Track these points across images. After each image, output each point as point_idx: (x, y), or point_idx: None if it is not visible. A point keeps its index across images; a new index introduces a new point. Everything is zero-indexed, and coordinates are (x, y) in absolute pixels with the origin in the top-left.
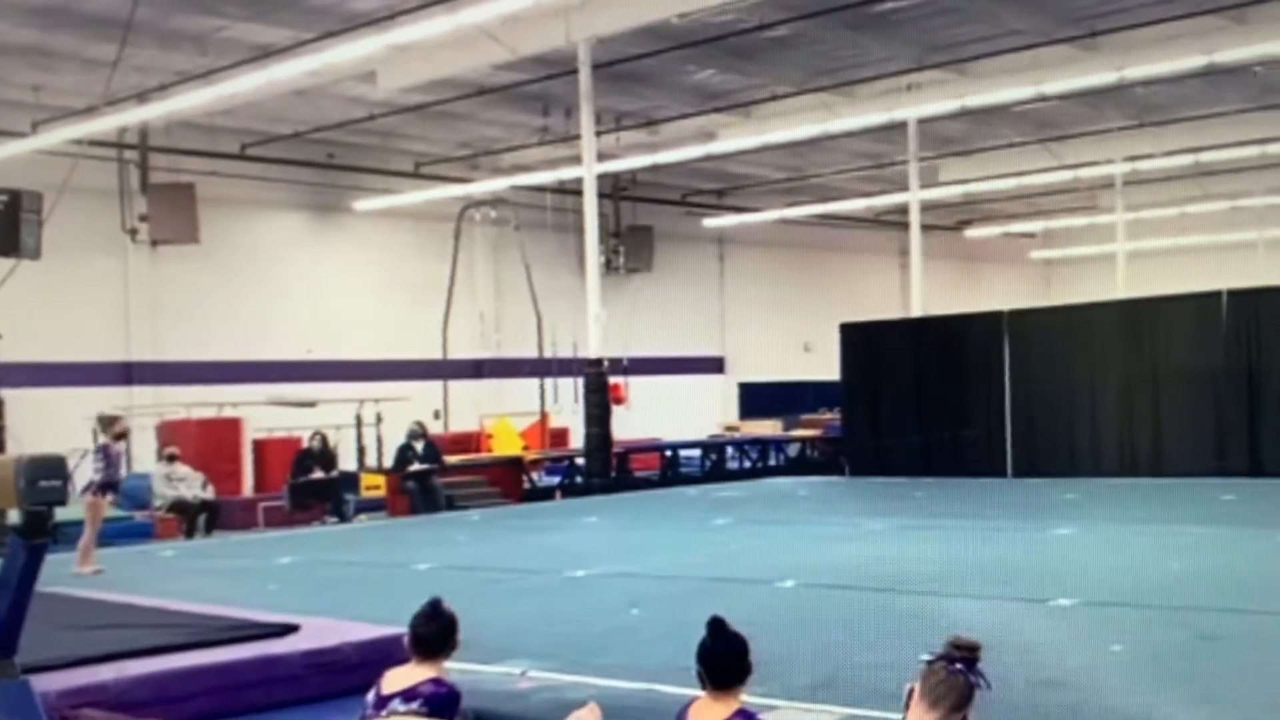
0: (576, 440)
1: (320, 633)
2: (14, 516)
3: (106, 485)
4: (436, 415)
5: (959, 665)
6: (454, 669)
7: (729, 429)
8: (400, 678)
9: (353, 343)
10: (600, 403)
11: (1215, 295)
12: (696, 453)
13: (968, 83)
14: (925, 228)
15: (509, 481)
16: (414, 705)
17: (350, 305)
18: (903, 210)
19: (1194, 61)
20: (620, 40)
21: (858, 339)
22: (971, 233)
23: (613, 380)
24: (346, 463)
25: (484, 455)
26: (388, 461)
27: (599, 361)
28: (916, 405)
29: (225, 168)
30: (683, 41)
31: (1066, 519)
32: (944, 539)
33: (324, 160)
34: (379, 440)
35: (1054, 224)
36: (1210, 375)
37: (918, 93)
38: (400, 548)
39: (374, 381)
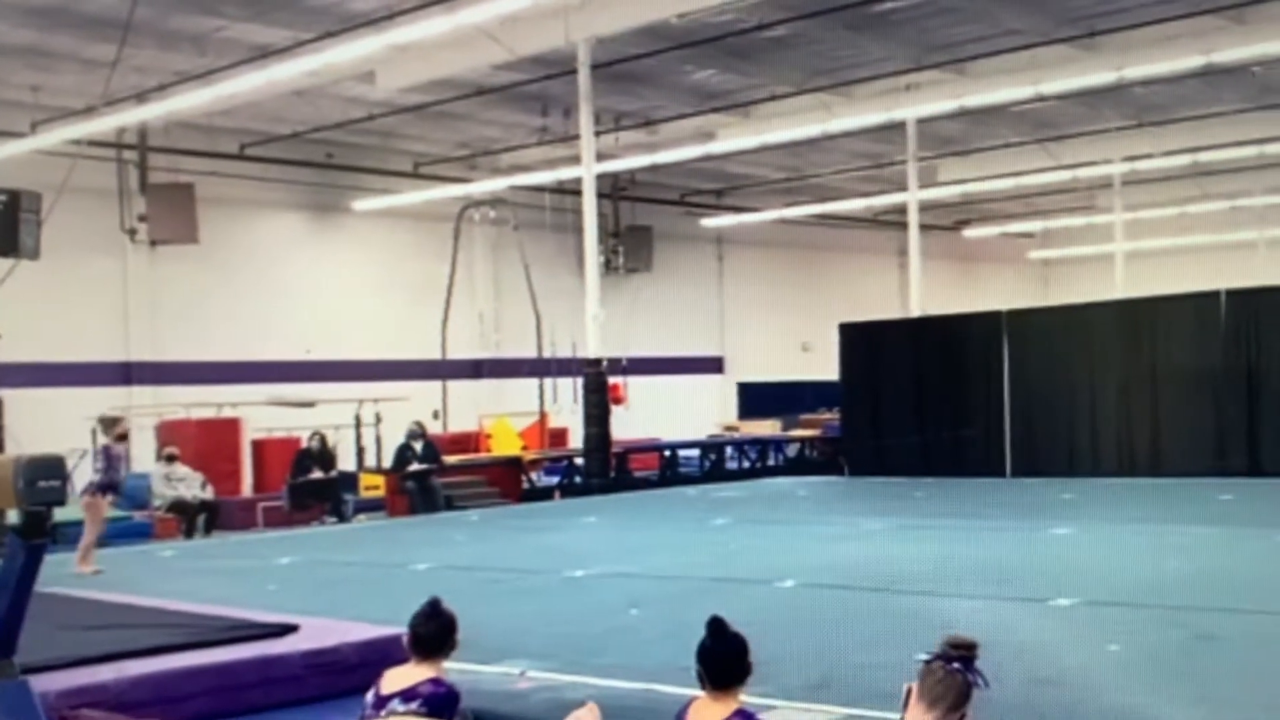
0: (575, 440)
1: (319, 633)
2: (13, 517)
3: (106, 486)
4: (435, 415)
5: (956, 664)
6: (453, 669)
7: (728, 429)
8: (399, 678)
9: (352, 343)
10: (599, 403)
11: (1214, 295)
12: (695, 453)
13: (966, 83)
14: (924, 228)
15: (508, 481)
16: (413, 705)
17: (349, 305)
18: (901, 210)
19: (1192, 61)
20: (619, 40)
21: (857, 339)
22: (970, 233)
23: (612, 380)
24: (346, 463)
25: (483, 455)
26: (387, 462)
27: (598, 361)
28: (915, 405)
29: (224, 168)
30: (682, 41)
31: (1065, 519)
32: (943, 539)
33: (323, 160)
34: (378, 440)
35: (1052, 224)
36: (1209, 375)
37: (916, 93)
38: (399, 548)
39: (373, 381)
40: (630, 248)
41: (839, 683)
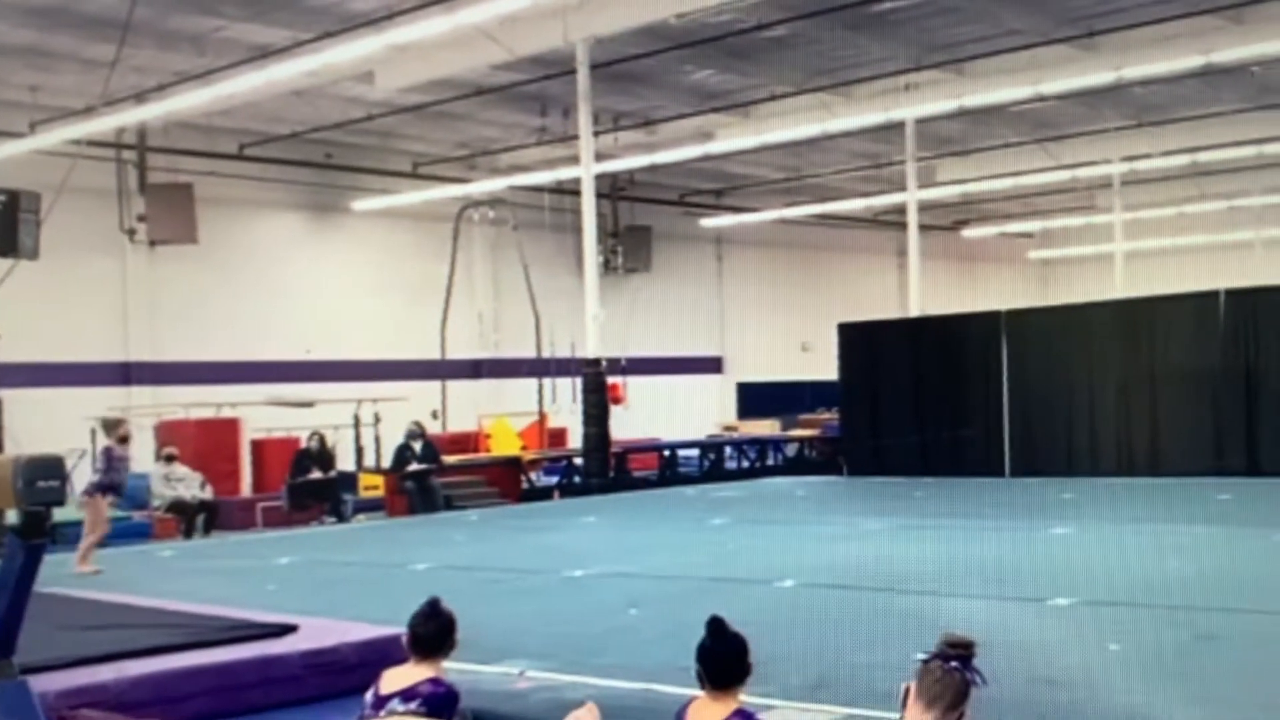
0: (575, 440)
1: (319, 633)
2: (12, 517)
3: (105, 487)
4: (435, 415)
5: (954, 663)
6: (452, 669)
7: (727, 429)
8: (399, 677)
9: (351, 343)
10: (598, 403)
11: (1213, 295)
12: (695, 453)
13: (965, 83)
14: (923, 228)
15: (507, 481)
16: (412, 705)
17: (348, 305)
18: (900, 210)
19: (1191, 61)
20: (618, 40)
21: (856, 339)
22: (969, 233)
23: (611, 380)
24: (345, 463)
25: (482, 455)
26: (386, 462)
27: (597, 361)
28: (914, 405)
29: (223, 168)
30: (681, 41)
31: (1064, 518)
32: (942, 539)
33: (322, 160)
34: (377, 440)
35: (1051, 224)
36: (1208, 375)
37: (915, 93)
38: (398, 548)
39: (372, 382)
40: (629, 248)
41: (838, 682)
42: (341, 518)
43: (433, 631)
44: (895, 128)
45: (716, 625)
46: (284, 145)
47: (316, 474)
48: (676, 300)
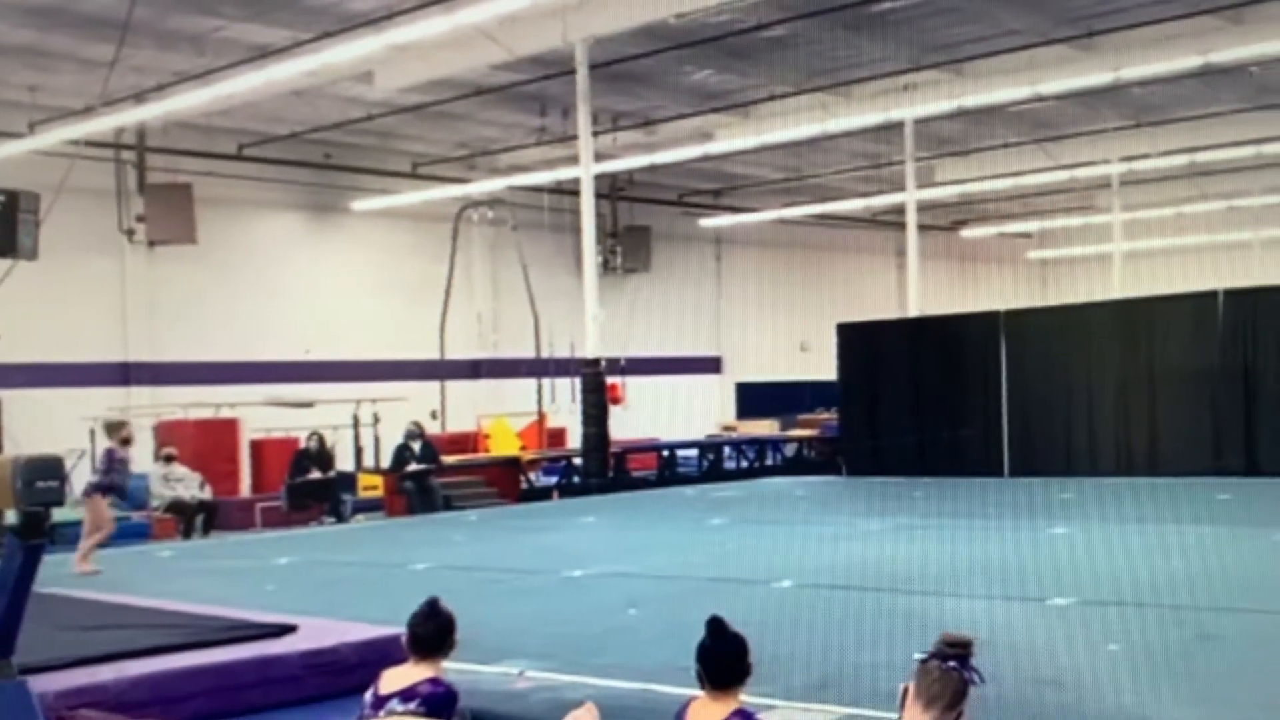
0: (574, 440)
1: (318, 633)
2: (11, 517)
3: (105, 487)
4: (434, 415)
5: (952, 662)
6: (452, 669)
7: (726, 429)
8: (398, 678)
9: (350, 343)
10: (598, 403)
11: (1212, 295)
12: (694, 453)
13: (964, 83)
14: (922, 228)
15: (506, 482)
16: (412, 705)
17: (348, 305)
18: (899, 210)
19: (1190, 61)
20: (617, 40)
21: (855, 339)
22: (968, 233)
23: (610, 380)
24: (344, 463)
25: (481, 455)
26: (385, 462)
27: (596, 361)
28: (913, 405)
29: (222, 168)
30: (680, 42)
31: (1063, 518)
32: (941, 539)
33: (321, 160)
34: (376, 440)
35: (1050, 224)
36: (1207, 375)
37: (914, 93)
38: (398, 548)
39: (371, 382)
40: (628, 248)
41: (838, 682)
42: (340, 518)
43: (432, 631)
44: (894, 128)
45: (716, 625)
46: (283, 145)
47: (315, 474)
48: (676, 300)
